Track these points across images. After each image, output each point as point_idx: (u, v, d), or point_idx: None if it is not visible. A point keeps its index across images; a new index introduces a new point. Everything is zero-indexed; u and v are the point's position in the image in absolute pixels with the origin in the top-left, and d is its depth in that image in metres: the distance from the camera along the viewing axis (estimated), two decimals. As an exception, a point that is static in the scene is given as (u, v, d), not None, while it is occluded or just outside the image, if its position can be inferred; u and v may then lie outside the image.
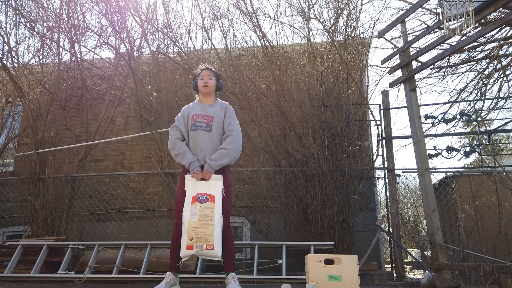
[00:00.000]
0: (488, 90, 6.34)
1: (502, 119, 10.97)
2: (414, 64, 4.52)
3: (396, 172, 4.98)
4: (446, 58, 5.58)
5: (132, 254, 4.37)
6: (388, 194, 4.97)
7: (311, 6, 5.99)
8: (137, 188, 6.16)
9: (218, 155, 2.76)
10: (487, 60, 6.00)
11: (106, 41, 6.27)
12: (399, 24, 4.48)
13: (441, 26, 3.86)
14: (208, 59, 6.09)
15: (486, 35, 5.21)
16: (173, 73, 6.19)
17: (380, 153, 5.15)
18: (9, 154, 6.81)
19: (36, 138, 6.06)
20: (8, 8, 6.36)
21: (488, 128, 6.25)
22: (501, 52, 5.79)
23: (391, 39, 6.04)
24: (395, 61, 4.83)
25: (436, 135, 5.24)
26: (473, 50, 5.89)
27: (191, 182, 2.73)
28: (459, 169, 5.24)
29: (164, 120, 6.00)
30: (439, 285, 3.37)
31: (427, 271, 3.78)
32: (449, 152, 4.89)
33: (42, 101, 6.49)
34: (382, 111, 5.26)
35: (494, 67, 6.05)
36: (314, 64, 5.67)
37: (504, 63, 5.94)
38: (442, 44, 4.50)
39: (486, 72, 6.15)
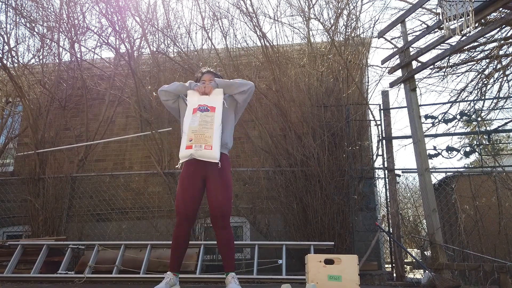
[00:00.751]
0: (488, 90, 6.35)
1: (502, 119, 10.98)
2: (414, 64, 4.52)
3: (396, 172, 4.98)
4: (446, 58, 5.58)
5: (132, 254, 4.37)
6: (388, 194, 4.98)
7: (311, 6, 5.99)
8: (137, 188, 6.16)
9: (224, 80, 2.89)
10: (487, 60, 6.00)
11: (106, 41, 6.27)
12: (399, 24, 4.48)
13: (441, 26, 3.86)
14: (208, 59, 6.09)
15: (486, 35, 5.21)
16: (173, 73, 6.19)
17: (380, 153, 5.15)
18: (9, 154, 6.81)
19: (36, 138, 6.06)
20: (8, 8, 6.36)
21: (488, 128, 6.25)
22: (501, 52, 5.79)
23: (391, 39, 6.05)
24: (395, 61, 4.84)
25: (436, 135, 5.24)
26: (473, 50, 5.90)
27: (192, 96, 2.81)
28: (459, 169, 5.24)
29: (164, 120, 6.00)
30: (439, 285, 3.37)
31: (427, 271, 3.78)
32: (449, 152, 4.89)
33: (42, 101, 6.49)
34: (382, 111, 5.26)
35: (494, 67, 6.06)
36: (314, 64, 5.67)
37: (504, 63, 5.94)
38: (442, 44, 4.50)
39: (486, 72, 6.15)
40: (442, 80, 6.28)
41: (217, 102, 2.76)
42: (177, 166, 2.80)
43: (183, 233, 2.77)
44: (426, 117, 5.11)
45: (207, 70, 3.07)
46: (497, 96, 6.15)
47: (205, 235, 5.29)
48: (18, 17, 6.46)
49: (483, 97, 6.24)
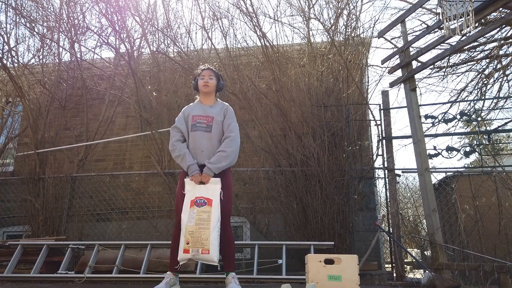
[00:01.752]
0: (488, 90, 6.34)
1: (502, 119, 10.98)
2: (414, 64, 4.52)
3: (396, 172, 4.98)
4: (446, 58, 5.58)
5: (132, 254, 4.37)
6: (388, 194, 4.97)
7: (311, 6, 5.99)
8: (137, 188, 6.16)
9: (217, 158, 2.75)
10: (487, 60, 6.00)
11: (106, 41, 6.28)
12: (399, 24, 4.48)
13: (441, 26, 3.86)
14: (208, 59, 6.09)
15: (486, 35, 5.21)
16: (173, 73, 6.19)
17: (380, 153, 5.15)
18: (9, 154, 6.81)
19: (36, 138, 6.06)
20: (8, 8, 6.36)
21: (488, 128, 6.25)
22: (501, 52, 5.79)
23: (391, 39, 6.04)
24: (395, 61, 4.84)
25: (436, 135, 5.24)
26: (473, 50, 5.89)
27: (190, 186, 2.74)
28: (459, 169, 5.24)
29: (164, 120, 6.01)
30: (439, 285, 3.37)
31: (427, 271, 3.78)
32: (449, 152, 4.89)
33: (42, 101, 6.49)
34: (382, 111, 5.26)
35: (494, 67, 6.05)
36: (314, 64, 5.67)
37: (504, 63, 5.94)
38: (442, 44, 4.50)
39: (486, 72, 6.15)
40: (442, 80, 6.28)
41: (215, 193, 2.70)
42: (176, 267, 2.76)
43: (183, 233, 2.77)
44: (426, 117, 5.11)
45: (206, 66, 3.06)
46: (497, 96, 6.14)
47: (205, 235, 5.28)
48: (18, 17, 6.47)
49: (483, 97, 6.24)
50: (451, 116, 5.08)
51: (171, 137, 2.92)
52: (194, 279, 3.92)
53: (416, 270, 6.44)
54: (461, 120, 5.31)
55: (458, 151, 4.89)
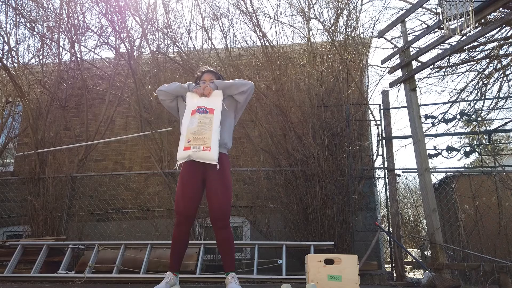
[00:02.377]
0: (488, 90, 6.34)
1: (502, 119, 10.98)
2: (414, 64, 4.52)
3: (396, 172, 4.98)
4: (446, 58, 5.58)
5: (132, 254, 4.37)
6: (388, 194, 4.97)
7: (311, 6, 5.99)
8: (137, 188, 6.16)
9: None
10: (487, 60, 6.00)
11: (106, 41, 6.28)
12: (399, 24, 4.48)
13: (441, 26, 3.86)
14: (208, 59, 6.09)
15: (486, 35, 5.21)
16: (173, 73, 6.19)
17: (380, 153, 5.15)
18: (9, 154, 6.81)
19: (36, 138, 6.06)
20: (8, 8, 6.36)
21: (488, 128, 6.25)
22: (501, 52, 5.79)
23: (391, 39, 6.05)
24: (395, 61, 4.84)
25: (436, 135, 5.24)
26: (473, 50, 5.89)
27: (191, 98, 2.78)
28: (459, 169, 5.24)
29: (164, 120, 6.01)
30: (439, 285, 3.37)
31: (427, 271, 3.78)
32: (449, 152, 4.89)
33: (42, 101, 6.49)
34: (382, 111, 5.26)
35: (494, 67, 6.05)
36: (314, 64, 5.67)
37: (504, 63, 5.94)
38: (442, 44, 4.50)
39: (486, 72, 6.15)
40: (442, 80, 6.28)
41: (216, 104, 2.73)
42: (175, 168, 2.80)
43: (183, 233, 2.77)
44: (426, 117, 5.10)
45: (207, 69, 3.05)
46: (497, 96, 6.14)
47: (205, 235, 5.30)
48: (18, 17, 6.47)
49: (483, 97, 6.24)
50: (451, 116, 5.08)
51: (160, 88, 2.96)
52: (194, 279, 3.92)
53: (416, 270, 6.45)
54: (461, 120, 5.31)
55: (458, 151, 4.89)
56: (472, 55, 6.00)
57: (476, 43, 5.59)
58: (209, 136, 2.58)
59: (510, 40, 5.54)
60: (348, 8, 5.76)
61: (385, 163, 5.03)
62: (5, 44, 6.30)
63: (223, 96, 2.84)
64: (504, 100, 6.03)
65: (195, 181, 2.77)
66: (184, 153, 2.60)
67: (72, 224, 5.82)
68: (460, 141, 9.81)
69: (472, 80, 6.33)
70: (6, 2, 6.32)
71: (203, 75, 3.00)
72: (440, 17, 3.79)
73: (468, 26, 3.43)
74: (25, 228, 5.84)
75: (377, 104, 5.35)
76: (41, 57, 6.72)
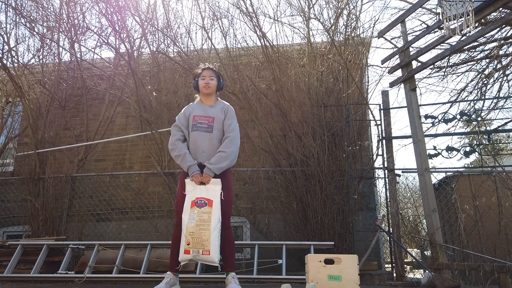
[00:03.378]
0: (488, 90, 6.34)
1: (502, 119, 10.97)
2: (414, 64, 4.52)
3: (396, 172, 4.98)
4: (446, 58, 5.58)
5: (132, 254, 4.37)
6: (388, 194, 4.97)
7: (311, 6, 5.99)
8: (137, 188, 6.16)
9: (217, 158, 2.76)
10: (487, 60, 6.00)
11: (106, 41, 6.28)
12: (399, 24, 4.48)
13: (441, 26, 3.86)
14: (208, 59, 6.09)
15: (486, 35, 5.21)
16: (173, 73, 6.19)
17: (380, 153, 5.15)
18: (9, 154, 6.81)
19: (36, 138, 6.06)
20: (8, 8, 6.36)
21: (488, 128, 6.25)
22: (501, 52, 5.79)
23: (391, 39, 6.05)
24: (395, 61, 4.84)
25: (436, 135, 5.24)
26: (473, 50, 5.89)
27: (190, 186, 2.74)
28: (459, 169, 5.24)
29: (164, 120, 6.01)
30: (439, 285, 3.37)
31: (427, 271, 3.78)
32: (449, 152, 4.88)
33: (42, 101, 6.49)
34: (382, 111, 5.26)
35: (494, 67, 6.05)
36: (314, 64, 5.67)
37: (504, 63, 5.94)
38: (442, 44, 4.50)
39: (486, 72, 6.15)
40: (442, 80, 6.28)
41: (215, 193, 2.71)
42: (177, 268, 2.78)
43: (183, 233, 2.77)
44: (426, 117, 5.10)
45: (207, 66, 3.06)
46: (497, 96, 6.14)
47: (205, 235, 5.28)
48: (18, 17, 6.47)
49: (483, 97, 6.24)
50: (451, 116, 5.08)
51: (172, 136, 2.92)
52: (194, 279, 3.92)
53: (416, 270, 6.45)
54: (461, 120, 5.31)
55: (458, 151, 4.89)
56: (472, 55, 6.00)
57: (476, 43, 5.59)
58: (208, 238, 2.58)
59: (510, 40, 5.54)
60: (348, 8, 5.77)
61: (385, 163, 5.03)
62: (5, 44, 6.31)
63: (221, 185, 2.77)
64: (504, 100, 6.04)
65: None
66: (184, 256, 2.62)
67: (72, 224, 5.82)
68: (460, 141, 9.82)
69: (472, 80, 6.33)
70: (6, 2, 6.32)
71: (203, 72, 3.00)
72: (440, 17, 3.79)
73: (468, 26, 3.43)
74: (25, 228, 5.84)
75: (377, 104, 5.35)
76: (41, 57, 6.73)
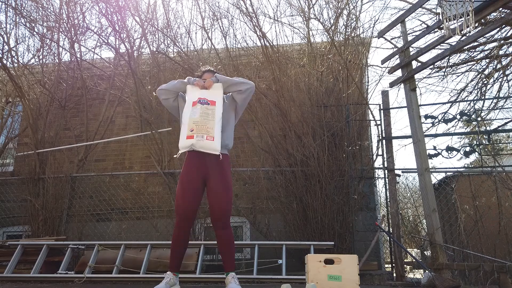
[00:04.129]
0: (488, 90, 6.34)
1: (502, 119, 10.95)
2: (414, 64, 4.52)
3: (396, 172, 4.98)
4: (446, 58, 5.58)
5: (132, 254, 4.37)
6: (388, 194, 4.97)
7: (311, 6, 5.99)
8: (137, 188, 6.16)
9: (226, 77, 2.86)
10: (487, 60, 6.00)
11: (106, 41, 6.28)
12: (399, 24, 4.48)
13: (441, 26, 3.86)
14: (208, 59, 6.09)
15: (486, 35, 5.21)
16: (173, 73, 6.19)
17: (380, 153, 5.15)
18: (9, 154, 6.80)
19: (36, 138, 6.06)
20: (8, 8, 6.36)
21: (488, 128, 6.25)
22: (501, 52, 5.79)
23: (391, 39, 6.05)
24: (395, 61, 4.84)
25: (436, 135, 5.24)
26: (473, 50, 5.89)
27: (191, 91, 2.76)
28: (459, 169, 5.24)
29: (164, 120, 6.01)
30: (439, 285, 3.37)
31: (427, 271, 3.78)
32: (449, 152, 4.89)
33: (42, 101, 6.49)
34: (382, 111, 5.26)
35: (494, 67, 6.05)
36: (314, 64, 5.67)
37: (504, 63, 5.94)
38: (442, 44, 4.50)
39: (486, 72, 6.15)
40: (442, 80, 6.28)
41: (217, 96, 2.72)
42: (175, 156, 2.71)
43: (183, 233, 2.77)
44: (426, 117, 5.11)
45: (207, 68, 3.06)
46: (497, 96, 6.14)
47: (205, 235, 5.29)
48: (18, 17, 6.46)
49: (483, 97, 6.24)
50: (451, 116, 5.08)
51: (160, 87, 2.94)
52: (194, 279, 3.92)
53: (416, 270, 6.45)
54: (461, 120, 5.31)
55: (458, 151, 4.89)
56: (472, 55, 6.00)
57: (476, 43, 5.59)
58: (212, 126, 2.55)
59: (510, 40, 5.54)
60: (348, 8, 5.77)
61: (385, 163, 5.03)
62: (5, 44, 6.31)
63: (223, 93, 2.84)
64: (504, 100, 6.04)
65: (196, 182, 2.77)
66: (187, 142, 2.56)
67: (72, 224, 5.82)
68: (460, 141, 9.82)
69: (472, 80, 6.33)
70: (6, 2, 6.32)
71: (203, 74, 3.01)
72: (440, 17, 3.79)
73: (468, 26, 3.43)
74: (25, 228, 5.84)
75: (377, 104, 5.35)
76: (41, 57, 6.72)
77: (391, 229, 4.80)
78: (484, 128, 6.24)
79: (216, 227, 2.76)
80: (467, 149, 4.96)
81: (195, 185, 2.76)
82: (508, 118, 5.72)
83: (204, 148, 2.57)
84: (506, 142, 8.91)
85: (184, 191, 2.75)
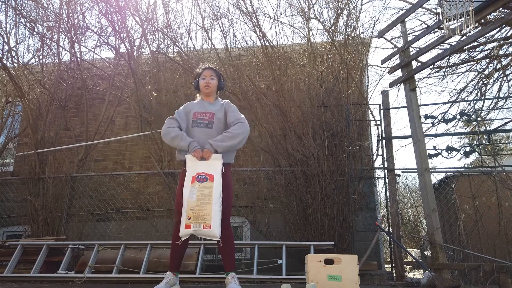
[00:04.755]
0: (488, 90, 6.34)
1: (502, 119, 10.96)
2: (414, 64, 4.52)
3: (396, 172, 4.98)
4: (446, 58, 5.58)
5: (132, 254, 4.37)
6: (388, 194, 4.97)
7: (311, 6, 5.99)
8: (137, 188, 6.16)
9: (222, 137, 2.77)
10: (487, 60, 6.00)
11: (106, 41, 6.28)
12: (399, 24, 4.48)
13: (441, 26, 3.86)
14: (208, 59, 6.09)
15: (486, 35, 5.21)
16: (173, 73, 6.19)
17: (380, 153, 5.15)
18: (9, 154, 6.81)
19: (36, 138, 6.06)
20: (8, 8, 6.36)
21: (488, 128, 6.25)
22: (501, 52, 5.79)
23: (391, 39, 6.05)
24: (395, 61, 4.83)
25: (436, 135, 5.24)
26: (473, 50, 5.89)
27: (191, 162, 2.73)
28: (459, 169, 5.24)
29: (164, 120, 5.99)
30: (439, 285, 3.37)
31: (427, 271, 3.78)
32: (449, 152, 4.88)
33: (42, 101, 6.49)
34: (382, 111, 5.25)
35: (494, 67, 6.05)
36: (314, 64, 5.66)
37: (504, 63, 5.94)
38: (442, 44, 4.50)
39: (486, 72, 6.15)
40: (442, 80, 6.28)
41: (216, 169, 2.69)
42: (177, 242, 2.72)
43: (183, 233, 2.76)
44: (426, 117, 5.10)
45: (207, 66, 3.06)
46: (497, 96, 6.14)
47: (205, 235, 5.29)
48: (18, 17, 6.47)
49: (483, 97, 6.24)
50: (451, 116, 5.08)
51: (166, 125, 2.90)
52: (194, 279, 3.92)
53: (416, 270, 6.45)
54: (461, 120, 5.31)
55: (458, 151, 4.89)
56: (472, 55, 6.00)
57: (476, 43, 5.59)
58: (209, 212, 2.55)
59: (510, 40, 5.54)
60: (348, 8, 5.77)
61: (385, 163, 5.03)
62: (5, 44, 6.31)
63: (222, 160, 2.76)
64: (504, 100, 6.04)
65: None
66: (185, 231, 2.59)
67: (72, 224, 5.82)
68: (460, 141, 9.82)
69: (472, 80, 6.33)
70: (6, 2, 6.32)
71: (204, 71, 3.01)
72: (440, 17, 3.79)
73: (468, 26, 3.43)
74: (25, 228, 5.84)
75: (377, 104, 5.35)
76: (41, 57, 6.73)
77: (391, 229, 4.80)
78: (484, 128, 6.24)
79: (216, 227, 2.76)
80: (467, 149, 4.96)
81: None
82: (508, 118, 5.73)
83: (203, 236, 2.60)
84: (506, 142, 8.91)
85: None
